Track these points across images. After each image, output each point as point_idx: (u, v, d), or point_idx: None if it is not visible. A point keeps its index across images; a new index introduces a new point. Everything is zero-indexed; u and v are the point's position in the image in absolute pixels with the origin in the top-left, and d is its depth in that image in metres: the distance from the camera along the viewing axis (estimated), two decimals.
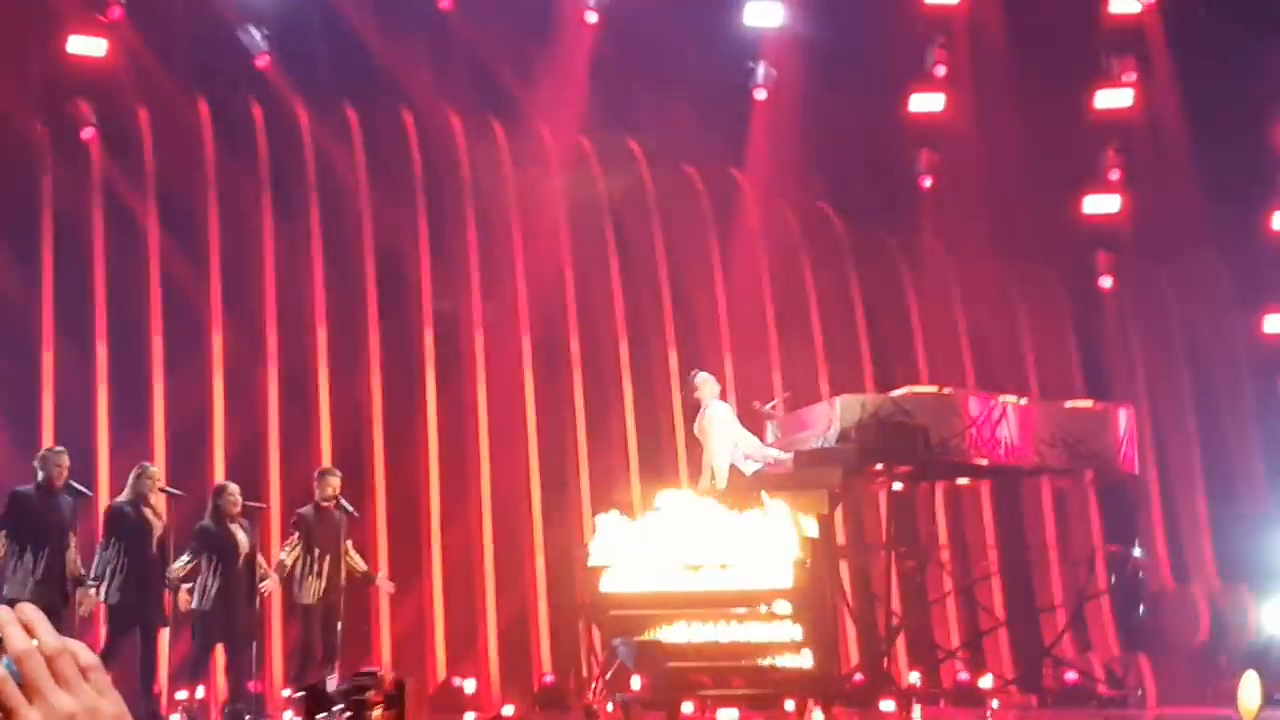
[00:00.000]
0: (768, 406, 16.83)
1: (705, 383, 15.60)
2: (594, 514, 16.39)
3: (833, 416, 15.85)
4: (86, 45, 19.12)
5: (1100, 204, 21.85)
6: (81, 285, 19.14)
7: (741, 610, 13.91)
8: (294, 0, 20.38)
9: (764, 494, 14.69)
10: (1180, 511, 21.61)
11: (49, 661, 1.62)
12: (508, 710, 17.37)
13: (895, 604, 17.24)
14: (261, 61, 20.17)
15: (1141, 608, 18.37)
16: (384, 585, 15.25)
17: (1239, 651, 18.45)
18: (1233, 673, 15.56)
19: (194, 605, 13.89)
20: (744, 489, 14.98)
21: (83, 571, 13.27)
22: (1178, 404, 22.05)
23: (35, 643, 1.63)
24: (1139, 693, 18.11)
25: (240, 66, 20.17)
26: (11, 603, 1.71)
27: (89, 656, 1.66)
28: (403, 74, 20.84)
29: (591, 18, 21.02)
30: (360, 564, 14.86)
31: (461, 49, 21.16)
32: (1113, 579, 18.46)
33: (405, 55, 20.94)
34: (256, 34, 20.03)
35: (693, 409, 16.10)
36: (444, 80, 21.01)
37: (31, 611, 1.65)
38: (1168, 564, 21.34)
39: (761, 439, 16.18)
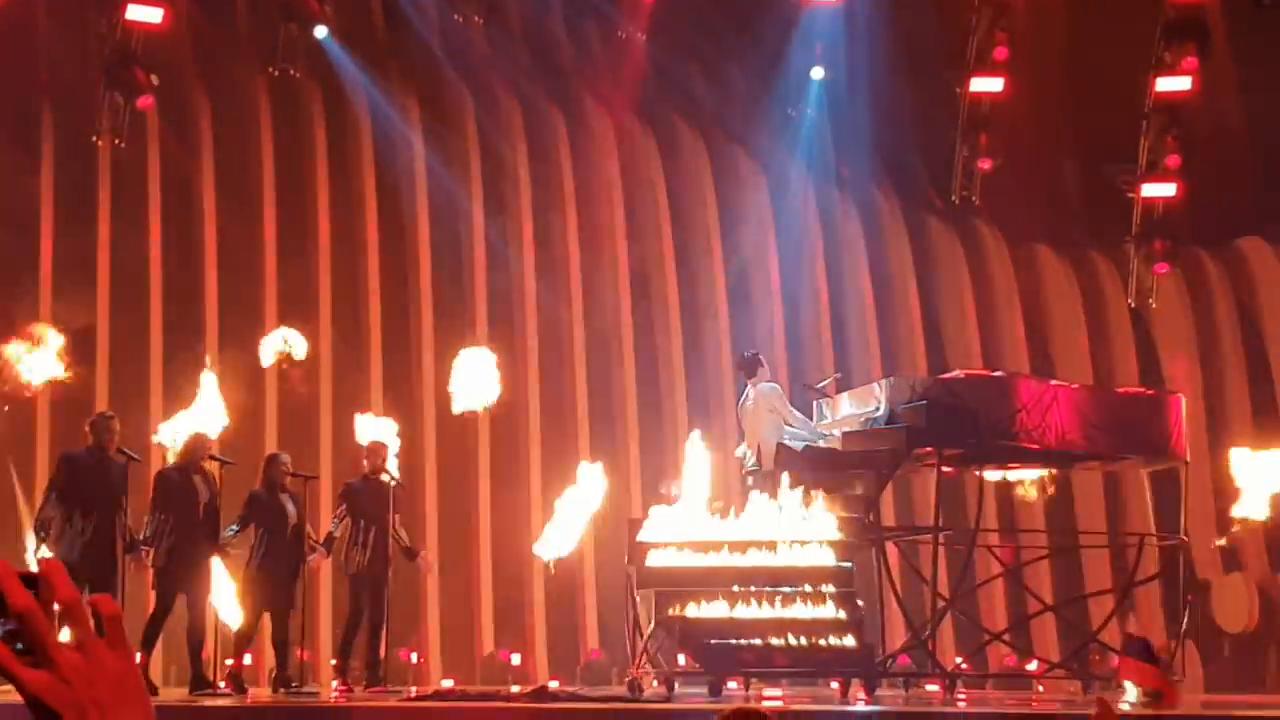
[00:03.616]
0: (819, 386, 16.76)
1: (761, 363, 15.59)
2: (642, 493, 16.37)
3: (882, 398, 15.74)
4: (145, 14, 19.17)
5: (1156, 189, 21.71)
6: (138, 251, 19.26)
7: (787, 589, 13.89)
8: None
9: (810, 475, 14.66)
10: (1232, 500, 21.46)
11: (64, 613, 1.58)
12: (553, 684, 17.40)
13: (941, 587, 17.17)
14: (320, 34, 20.23)
15: (1189, 595, 18.22)
16: (423, 565, 15.32)
17: None
18: None
19: (242, 573, 13.96)
20: (790, 469, 14.94)
21: (135, 536, 13.31)
22: (1232, 390, 21.91)
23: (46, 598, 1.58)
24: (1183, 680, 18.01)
25: (299, 39, 20.22)
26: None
27: (109, 607, 1.63)
28: (460, 50, 20.87)
29: None
30: (404, 538, 14.83)
31: (520, 25, 21.20)
32: (1161, 566, 18.30)
33: (463, 31, 20.97)
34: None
35: (742, 390, 16.05)
36: (501, 57, 21.04)
37: (46, 562, 1.62)
38: (1219, 552, 21.22)
39: (810, 419, 16.13)
